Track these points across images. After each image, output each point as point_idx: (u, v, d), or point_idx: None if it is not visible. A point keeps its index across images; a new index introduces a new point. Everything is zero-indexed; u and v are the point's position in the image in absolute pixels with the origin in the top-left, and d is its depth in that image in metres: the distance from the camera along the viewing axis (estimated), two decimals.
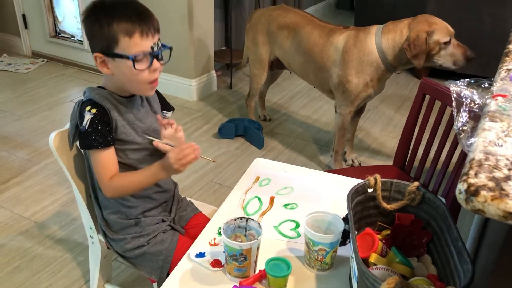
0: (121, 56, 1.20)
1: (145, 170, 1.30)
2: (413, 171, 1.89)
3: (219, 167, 2.69)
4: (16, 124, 3.07)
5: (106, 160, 1.26)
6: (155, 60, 1.24)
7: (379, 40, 2.25)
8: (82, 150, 1.37)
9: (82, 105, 1.26)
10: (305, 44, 2.49)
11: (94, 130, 1.22)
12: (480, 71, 3.67)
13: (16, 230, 2.16)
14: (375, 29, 2.30)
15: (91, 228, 1.51)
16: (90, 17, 1.23)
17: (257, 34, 2.76)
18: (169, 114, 1.48)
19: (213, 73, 3.63)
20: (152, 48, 1.22)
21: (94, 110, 1.23)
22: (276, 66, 2.88)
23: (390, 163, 2.71)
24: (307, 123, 3.25)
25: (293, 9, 2.73)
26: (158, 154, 1.37)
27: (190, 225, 1.48)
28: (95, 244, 1.56)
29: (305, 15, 2.61)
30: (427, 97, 1.78)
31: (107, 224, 1.41)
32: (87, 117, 1.22)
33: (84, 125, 1.22)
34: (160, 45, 1.24)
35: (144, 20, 1.21)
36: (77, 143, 1.31)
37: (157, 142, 1.32)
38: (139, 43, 1.20)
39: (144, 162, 1.34)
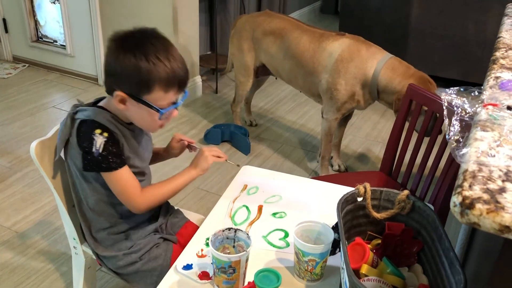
0: (150, 106, 1.17)
1: (176, 175, 1.33)
2: (400, 176, 1.89)
3: (205, 173, 2.66)
4: None
5: (127, 178, 1.24)
6: (175, 109, 1.23)
7: (378, 69, 2.23)
8: (71, 168, 1.31)
9: (85, 125, 1.21)
10: (294, 49, 2.47)
11: (110, 153, 1.19)
12: (463, 75, 3.72)
13: None
14: (380, 55, 2.26)
15: (74, 239, 1.47)
16: (125, 51, 1.14)
17: (242, 40, 2.74)
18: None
19: (198, 78, 3.61)
20: (177, 98, 1.21)
21: (106, 134, 1.19)
22: (261, 73, 2.87)
23: (377, 168, 2.73)
24: (294, 128, 3.24)
25: (278, 14, 2.71)
26: (146, 177, 1.38)
27: (181, 233, 1.46)
28: (79, 255, 1.52)
29: (291, 20, 2.60)
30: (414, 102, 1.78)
31: (97, 241, 1.37)
32: (100, 140, 1.18)
33: (97, 149, 1.18)
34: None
35: (184, 74, 1.19)
36: (73, 163, 1.26)
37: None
38: (171, 97, 1.19)
39: None
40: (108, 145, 1.19)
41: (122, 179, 1.23)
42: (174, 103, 1.22)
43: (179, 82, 1.18)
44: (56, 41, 3.88)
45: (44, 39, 3.93)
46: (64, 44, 3.81)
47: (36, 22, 3.89)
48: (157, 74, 1.14)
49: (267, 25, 2.61)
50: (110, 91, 1.21)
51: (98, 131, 1.19)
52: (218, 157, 1.38)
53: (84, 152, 1.20)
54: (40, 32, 3.93)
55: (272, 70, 2.73)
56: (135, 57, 1.13)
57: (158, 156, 1.51)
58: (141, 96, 1.17)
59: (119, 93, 1.17)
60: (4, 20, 3.92)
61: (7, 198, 2.38)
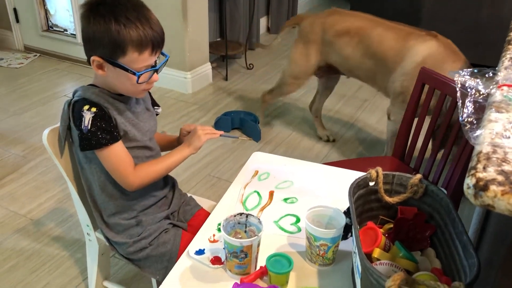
0: (125, 69, 1.16)
1: (169, 154, 1.32)
2: (413, 162, 1.87)
3: (216, 160, 2.67)
4: (9, 120, 3.03)
5: (119, 154, 1.22)
6: (155, 73, 1.22)
7: None
8: (76, 153, 1.32)
9: (76, 105, 1.21)
10: (376, 47, 2.28)
11: (99, 128, 1.18)
12: (478, 59, 3.66)
13: (12, 228, 2.13)
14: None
15: (88, 226, 1.49)
16: (95, 15, 1.13)
17: (309, 44, 2.51)
18: (159, 109, 1.46)
19: (208, 65, 3.59)
20: (155, 62, 1.19)
21: (94, 109, 1.18)
22: (326, 73, 2.66)
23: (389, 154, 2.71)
24: (304, 115, 3.22)
25: (350, 12, 2.50)
26: (154, 152, 1.37)
27: (194, 220, 1.46)
28: (93, 242, 1.54)
29: (369, 17, 2.39)
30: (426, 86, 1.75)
31: (108, 227, 1.38)
32: (88, 116, 1.17)
33: (86, 125, 1.17)
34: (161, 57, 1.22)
35: (157, 35, 1.17)
36: (77, 146, 1.25)
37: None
38: (146, 59, 1.17)
39: (142, 160, 1.32)
40: (96, 120, 1.18)
41: (113, 155, 1.21)
42: (153, 66, 1.20)
43: (152, 43, 1.16)
44: (66, 30, 3.89)
45: (54, 28, 3.94)
46: (74, 33, 3.82)
47: (46, 11, 3.90)
48: (128, 35, 1.12)
49: (341, 25, 2.40)
50: (88, 60, 1.20)
51: (86, 107, 1.19)
52: (213, 134, 1.35)
53: (78, 131, 1.20)
54: (50, 21, 3.94)
55: (344, 70, 2.53)
56: (105, 20, 1.12)
57: (171, 144, 1.50)
58: (116, 59, 1.16)
59: (94, 58, 1.17)
60: (15, 10, 3.94)
61: (22, 186, 2.41)
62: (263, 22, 4.63)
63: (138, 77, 1.17)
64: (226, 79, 3.69)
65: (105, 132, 1.19)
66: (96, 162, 1.27)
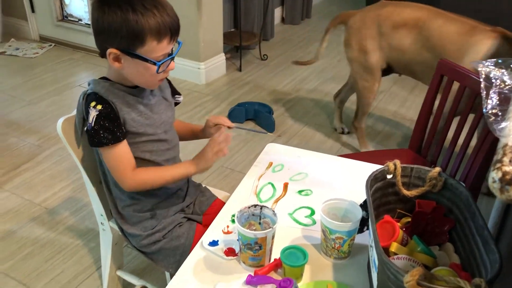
0: (144, 59, 1.14)
1: (173, 166, 1.28)
2: (430, 155, 1.84)
3: (229, 151, 2.65)
4: (25, 109, 3.05)
5: (119, 155, 1.21)
6: (172, 61, 1.20)
7: None
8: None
9: (88, 99, 1.20)
10: (436, 40, 2.13)
11: (101, 127, 1.16)
12: None
13: (27, 217, 2.15)
14: None
15: (102, 215, 1.49)
16: (110, 5, 1.10)
17: (364, 40, 2.37)
18: (181, 98, 1.43)
19: (222, 56, 3.57)
20: (172, 49, 1.17)
21: (99, 107, 1.17)
22: (383, 73, 2.51)
23: (405, 146, 2.67)
24: (318, 106, 3.19)
25: (405, 2, 2.34)
26: (171, 145, 1.34)
27: (210, 211, 1.45)
28: (106, 231, 1.54)
29: (428, 8, 2.24)
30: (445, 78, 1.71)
31: (123, 218, 1.38)
32: (92, 114, 1.16)
33: (90, 122, 1.16)
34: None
35: (174, 22, 1.14)
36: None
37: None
38: (165, 47, 1.15)
39: (158, 153, 1.30)
40: (100, 119, 1.16)
41: (113, 155, 1.20)
42: (170, 54, 1.18)
43: (170, 30, 1.13)
44: (81, 20, 3.90)
45: (69, 18, 3.95)
46: (88, 22, 3.83)
47: (61, 1, 3.91)
48: (147, 24, 1.09)
49: (397, 16, 2.26)
50: (103, 53, 1.17)
51: (93, 103, 1.17)
52: (221, 150, 1.28)
53: (86, 125, 1.20)
54: (65, 11, 3.95)
55: (399, 67, 2.39)
56: (121, 10, 1.09)
57: (194, 135, 1.48)
58: (135, 50, 1.13)
59: (111, 51, 1.13)
60: (30, 0, 3.95)
61: (37, 175, 2.43)
62: (277, 12, 4.59)
63: (159, 67, 1.15)
64: (240, 69, 3.66)
65: (107, 131, 1.17)
66: None
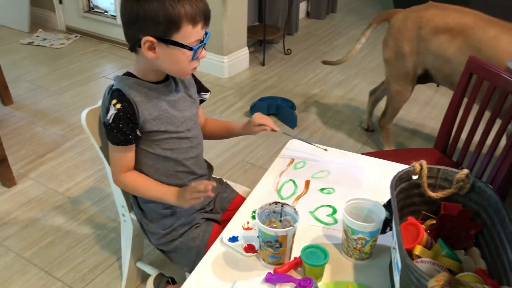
0: (181, 45, 1.13)
1: (160, 185, 1.28)
2: (455, 155, 1.80)
3: (250, 146, 2.64)
4: (50, 99, 3.10)
5: (121, 157, 1.25)
6: (203, 49, 1.19)
7: None
8: None
9: (112, 95, 1.21)
10: (490, 52, 1.94)
11: (116, 126, 1.18)
12: None
13: (51, 205, 2.18)
14: None
15: (123, 207, 1.50)
16: None
17: (403, 42, 2.24)
18: (207, 95, 1.43)
19: (246, 49, 3.56)
20: (203, 36, 1.17)
21: (118, 106, 1.17)
22: (420, 81, 2.39)
23: (429, 145, 2.62)
24: (342, 102, 3.15)
25: (453, 6, 2.17)
26: (194, 143, 1.33)
27: (230, 207, 1.45)
28: (127, 223, 1.55)
29: (478, 14, 2.08)
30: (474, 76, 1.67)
31: (143, 212, 1.38)
32: (111, 111, 1.18)
33: (108, 118, 1.18)
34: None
35: (206, 7, 1.14)
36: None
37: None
38: (199, 33, 1.14)
39: (180, 151, 1.29)
40: (117, 118, 1.17)
41: (117, 154, 1.25)
42: (201, 41, 1.17)
43: (204, 14, 1.13)
44: (106, 12, 3.93)
45: (95, 10, 3.99)
46: (114, 14, 3.86)
47: None
48: (182, 9, 1.09)
49: (441, 20, 2.11)
50: (134, 45, 1.16)
51: (114, 101, 1.18)
52: (198, 198, 1.19)
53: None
54: (91, 2, 3.98)
55: (439, 76, 2.22)
56: None
57: (229, 133, 1.48)
58: (171, 36, 1.12)
59: (147, 39, 1.12)
60: None
61: (60, 164, 2.46)
62: (302, 6, 4.55)
63: (195, 52, 1.15)
64: (263, 64, 3.65)
65: (120, 132, 1.19)
66: (136, 151, 1.27)
